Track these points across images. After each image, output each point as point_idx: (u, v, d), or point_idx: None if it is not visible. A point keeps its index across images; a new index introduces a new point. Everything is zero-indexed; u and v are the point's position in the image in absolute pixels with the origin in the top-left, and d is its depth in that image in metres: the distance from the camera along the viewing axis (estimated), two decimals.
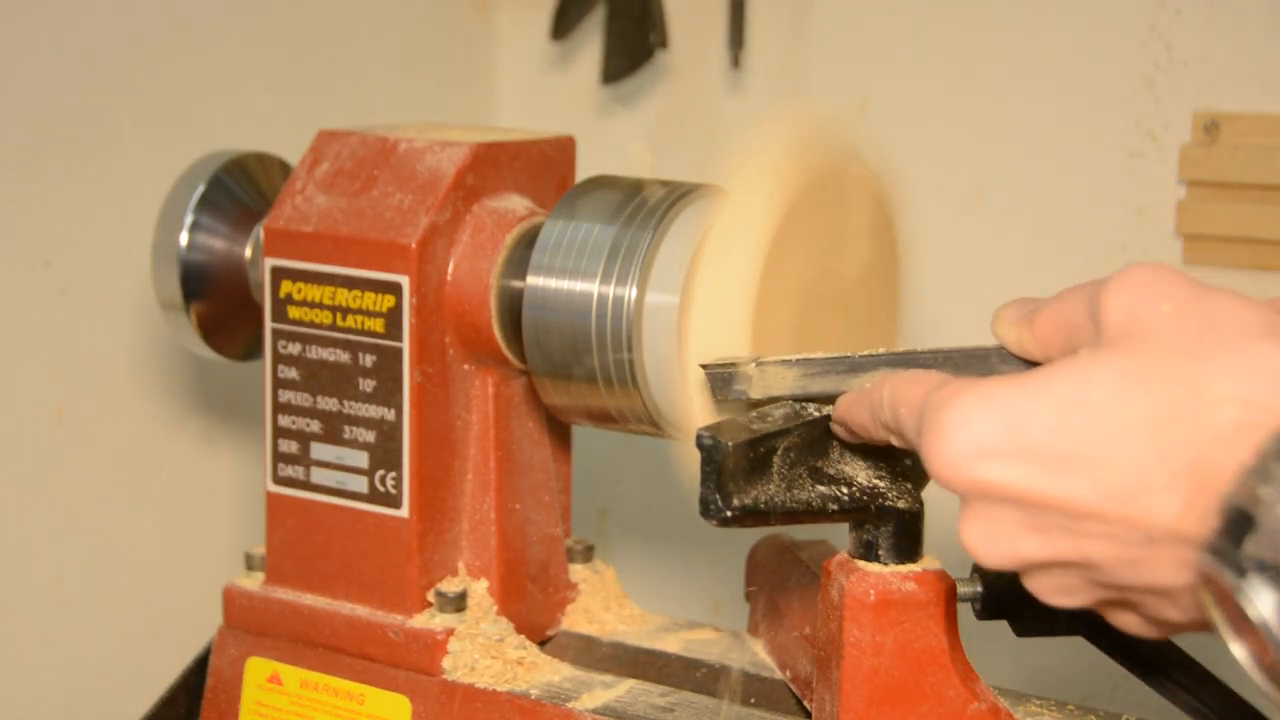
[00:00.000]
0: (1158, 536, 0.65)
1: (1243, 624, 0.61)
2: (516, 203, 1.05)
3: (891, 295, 1.00)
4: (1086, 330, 0.70)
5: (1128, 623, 0.72)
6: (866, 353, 0.82)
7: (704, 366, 0.86)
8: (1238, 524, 0.61)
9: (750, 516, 0.79)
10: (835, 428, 0.83)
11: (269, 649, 1.07)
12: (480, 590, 1.04)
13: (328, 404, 1.04)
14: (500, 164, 1.05)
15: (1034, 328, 0.74)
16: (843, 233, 0.94)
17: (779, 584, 1.06)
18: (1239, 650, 0.62)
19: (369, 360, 1.02)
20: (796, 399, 0.84)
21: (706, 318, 0.88)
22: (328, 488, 1.05)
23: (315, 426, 1.05)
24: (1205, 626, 0.66)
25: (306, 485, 1.05)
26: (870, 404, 0.78)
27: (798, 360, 0.84)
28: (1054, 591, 0.70)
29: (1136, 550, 0.66)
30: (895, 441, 0.77)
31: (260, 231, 1.07)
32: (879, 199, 0.97)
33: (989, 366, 0.77)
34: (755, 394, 0.85)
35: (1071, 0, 1.54)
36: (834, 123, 0.94)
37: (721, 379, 0.85)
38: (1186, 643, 0.83)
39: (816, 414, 0.83)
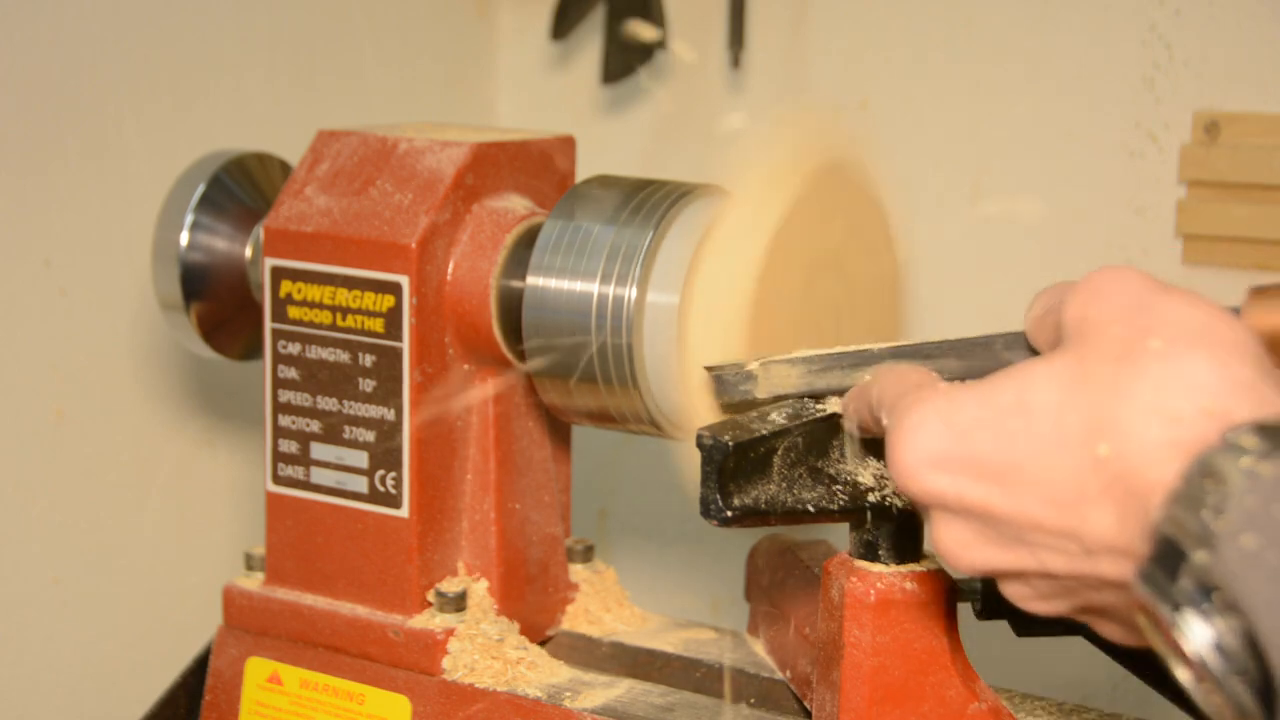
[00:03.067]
0: (1097, 549, 0.63)
1: (1180, 653, 0.60)
2: (516, 203, 1.05)
3: (891, 296, 1.00)
4: (1055, 333, 0.69)
5: (1110, 631, 0.70)
6: (870, 346, 0.81)
7: (708, 369, 0.86)
8: (1168, 555, 0.59)
9: (750, 516, 0.79)
10: (846, 423, 0.82)
11: (269, 649, 1.07)
12: (480, 590, 1.04)
13: (328, 404, 1.04)
14: (500, 164, 1.05)
15: (1030, 317, 0.73)
16: (842, 234, 0.94)
17: (779, 584, 1.06)
18: (1182, 674, 0.60)
19: (369, 360, 1.02)
20: (803, 396, 0.84)
21: (706, 317, 0.88)
22: (328, 488, 1.05)
23: (315, 426, 1.05)
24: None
25: (306, 485, 1.05)
26: (867, 400, 0.77)
27: (802, 358, 0.84)
28: (1029, 599, 0.69)
29: (1082, 562, 0.64)
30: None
31: (260, 231, 1.07)
32: (877, 200, 0.97)
33: (993, 355, 0.77)
34: (761, 393, 0.85)
35: (1071, 0, 1.54)
36: (834, 123, 0.94)
37: (726, 380, 0.85)
38: None
39: (817, 414, 0.83)
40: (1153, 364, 0.62)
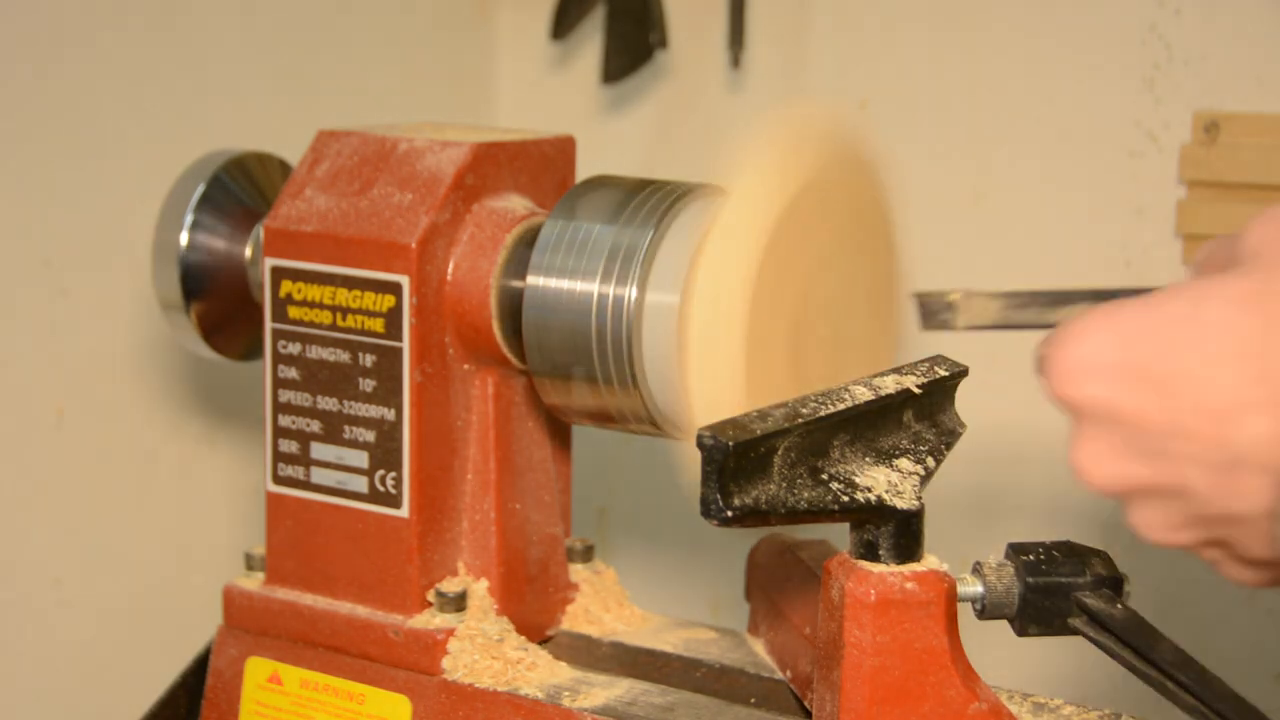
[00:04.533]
0: (1243, 460, 0.65)
1: None
2: (516, 203, 1.05)
3: (891, 295, 1.00)
4: (1227, 261, 0.70)
5: (1232, 570, 0.72)
6: (1071, 289, 0.81)
7: (917, 294, 0.86)
8: None
9: (750, 516, 0.79)
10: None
11: (269, 649, 1.07)
12: (480, 590, 1.04)
13: (328, 404, 1.04)
14: (500, 164, 1.05)
15: (1196, 262, 0.74)
16: (842, 232, 0.94)
17: (779, 584, 1.06)
18: None
19: (369, 360, 1.02)
20: (999, 328, 0.83)
21: (706, 317, 0.88)
22: (328, 488, 1.05)
23: (315, 426, 1.05)
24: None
25: (306, 485, 1.05)
26: None
27: (1003, 292, 0.83)
28: (1156, 526, 0.70)
29: (1224, 477, 0.66)
30: None
31: (260, 231, 1.07)
32: (878, 199, 0.97)
33: None
34: (960, 324, 0.84)
35: (1071, 0, 1.54)
36: (835, 122, 0.94)
37: (928, 307, 0.84)
38: (1187, 643, 0.83)
39: (817, 414, 0.83)
40: None
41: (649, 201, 0.98)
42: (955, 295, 0.84)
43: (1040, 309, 0.82)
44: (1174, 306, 0.66)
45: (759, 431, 0.80)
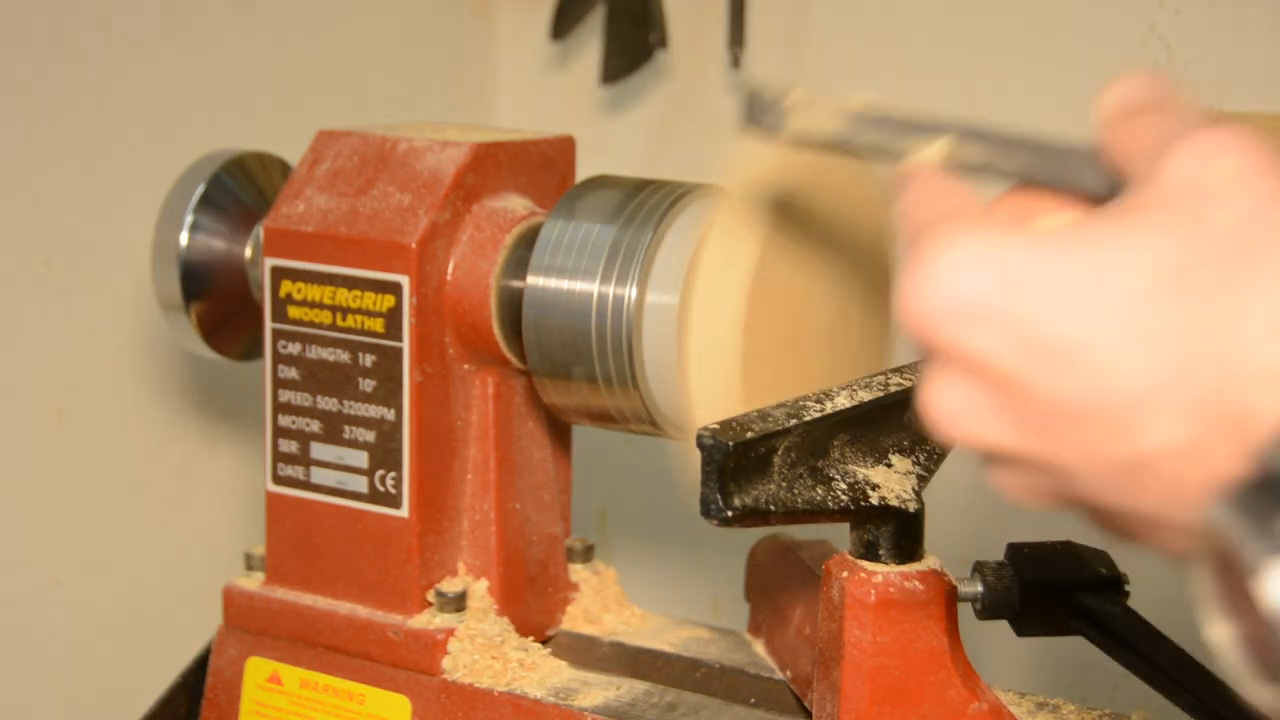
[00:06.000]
0: (1152, 462, 0.54)
1: (1240, 601, 0.52)
2: (516, 203, 1.05)
3: (888, 292, 1.00)
4: (1146, 166, 0.57)
5: (1101, 528, 0.61)
6: (936, 116, 0.65)
7: (750, 89, 0.71)
8: (1272, 492, 0.51)
9: (750, 516, 0.79)
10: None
11: (269, 649, 1.07)
12: (480, 590, 1.04)
13: (328, 404, 1.04)
14: (500, 164, 1.05)
15: (1111, 118, 0.60)
16: (842, 231, 0.94)
17: (779, 584, 1.06)
18: (1223, 628, 0.53)
19: (369, 360, 1.02)
20: (835, 148, 0.68)
21: (706, 317, 0.88)
22: (328, 488, 1.05)
23: (315, 426, 1.05)
24: (1179, 556, 0.57)
25: (306, 485, 1.05)
26: (901, 203, 0.63)
27: (854, 107, 0.68)
28: (1017, 491, 0.60)
29: (1121, 473, 0.55)
30: None
31: (260, 231, 1.07)
32: (872, 196, 0.97)
33: (1067, 170, 0.61)
34: (792, 128, 0.69)
35: (1071, 1, 1.54)
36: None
37: (759, 106, 0.69)
38: (1186, 642, 0.83)
39: (817, 414, 0.83)
40: (1278, 278, 0.52)
41: (649, 201, 0.98)
42: (795, 94, 0.69)
43: (893, 132, 0.66)
44: (1085, 258, 0.54)
45: (759, 431, 0.80)
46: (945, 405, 0.58)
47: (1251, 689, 0.53)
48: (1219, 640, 0.53)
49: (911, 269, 0.57)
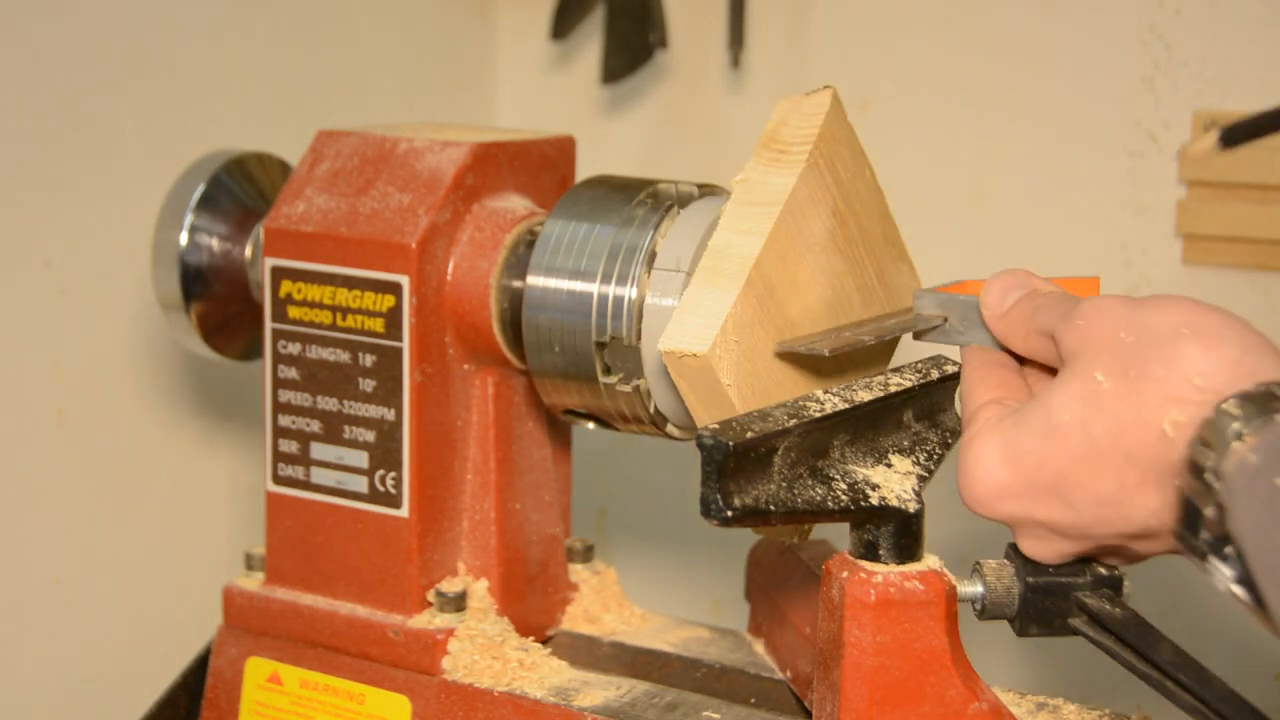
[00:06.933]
0: (1153, 528, 0.77)
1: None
2: (516, 203, 1.05)
3: (887, 289, 1.00)
4: (1051, 349, 0.82)
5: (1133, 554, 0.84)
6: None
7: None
8: (1190, 515, 0.72)
9: (750, 516, 0.79)
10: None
11: (269, 649, 1.07)
12: (480, 590, 1.04)
13: (328, 404, 1.04)
14: (500, 164, 1.05)
15: (998, 313, 0.87)
16: (840, 213, 0.94)
17: (779, 584, 1.06)
18: (1224, 572, 0.72)
19: (369, 360, 1.02)
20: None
21: (704, 317, 0.88)
22: (328, 488, 1.05)
23: (315, 426, 1.05)
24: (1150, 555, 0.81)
25: (306, 485, 1.05)
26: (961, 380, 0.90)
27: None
28: (1047, 554, 0.83)
29: (1137, 539, 0.79)
30: None
31: (260, 231, 1.07)
32: (870, 187, 0.97)
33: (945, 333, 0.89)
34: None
35: (1071, 0, 1.54)
36: (821, 105, 0.95)
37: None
38: (1187, 643, 0.83)
39: (817, 414, 0.83)
40: (1155, 368, 0.75)
41: (649, 201, 0.98)
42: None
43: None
44: (1038, 420, 0.78)
45: (759, 431, 0.80)
46: (1031, 550, 0.83)
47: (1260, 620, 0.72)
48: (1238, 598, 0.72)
49: (960, 475, 0.81)
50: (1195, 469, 0.71)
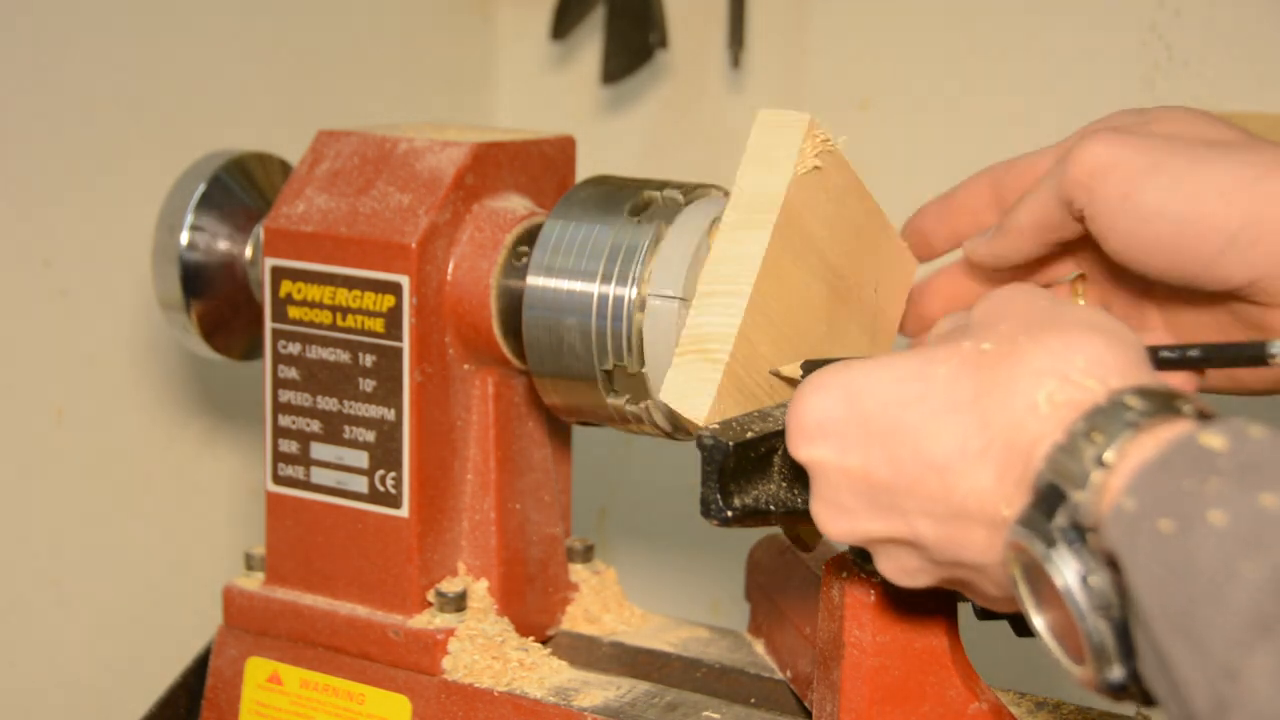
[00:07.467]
0: (970, 510, 0.68)
1: (1048, 594, 0.65)
2: (516, 203, 1.05)
3: (886, 287, 1.00)
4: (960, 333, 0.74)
5: (976, 598, 0.75)
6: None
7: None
8: (1048, 498, 0.64)
9: (750, 516, 0.79)
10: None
11: (269, 649, 1.07)
12: (480, 590, 1.04)
13: (328, 404, 1.04)
14: (500, 164, 1.05)
15: (935, 334, 0.79)
16: (845, 218, 0.94)
17: (779, 584, 1.06)
18: (1040, 622, 0.66)
19: (369, 360, 1.02)
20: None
21: (705, 319, 0.88)
22: (328, 488, 1.05)
23: (315, 426, 1.05)
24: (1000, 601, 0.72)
25: (306, 485, 1.05)
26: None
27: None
28: (898, 573, 0.73)
29: (952, 526, 0.69)
30: None
31: (260, 231, 1.07)
32: (862, 194, 0.97)
33: None
34: None
35: (1071, 1, 1.54)
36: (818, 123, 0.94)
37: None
38: None
39: None
40: (1050, 338, 0.68)
41: (649, 202, 0.98)
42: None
43: None
44: (907, 365, 0.70)
45: (759, 431, 0.80)
46: (824, 510, 0.73)
47: (1069, 669, 0.65)
48: (1041, 633, 0.66)
49: (790, 406, 0.73)
50: (1072, 451, 0.64)
